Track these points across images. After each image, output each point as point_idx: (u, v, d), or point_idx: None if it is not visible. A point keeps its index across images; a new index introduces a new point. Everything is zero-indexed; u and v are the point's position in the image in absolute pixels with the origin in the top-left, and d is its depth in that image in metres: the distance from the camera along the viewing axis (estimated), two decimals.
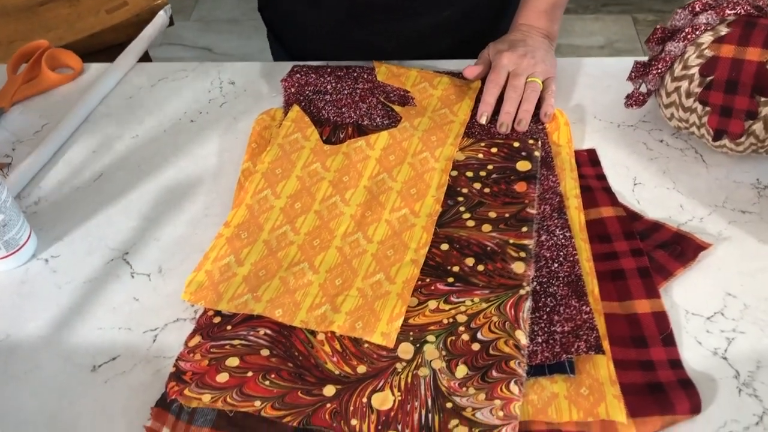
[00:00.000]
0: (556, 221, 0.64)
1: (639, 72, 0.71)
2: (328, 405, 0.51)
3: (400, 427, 0.50)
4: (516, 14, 0.85)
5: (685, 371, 0.53)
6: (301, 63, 0.84)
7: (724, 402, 0.52)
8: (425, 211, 0.64)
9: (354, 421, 0.50)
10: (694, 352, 0.55)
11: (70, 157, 0.77)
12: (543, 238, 0.63)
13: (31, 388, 0.56)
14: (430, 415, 0.50)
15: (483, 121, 0.74)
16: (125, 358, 0.58)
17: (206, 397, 0.52)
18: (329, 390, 0.52)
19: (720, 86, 0.64)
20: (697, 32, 0.65)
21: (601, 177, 0.70)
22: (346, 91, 0.80)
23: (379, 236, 0.63)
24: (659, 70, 0.68)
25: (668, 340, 0.55)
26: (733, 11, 0.65)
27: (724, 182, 0.69)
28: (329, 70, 0.83)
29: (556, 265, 0.60)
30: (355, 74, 0.83)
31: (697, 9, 0.67)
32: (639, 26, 2.32)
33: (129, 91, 0.85)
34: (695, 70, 0.65)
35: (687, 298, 0.59)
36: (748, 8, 0.65)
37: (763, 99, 0.63)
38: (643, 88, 0.71)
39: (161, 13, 0.93)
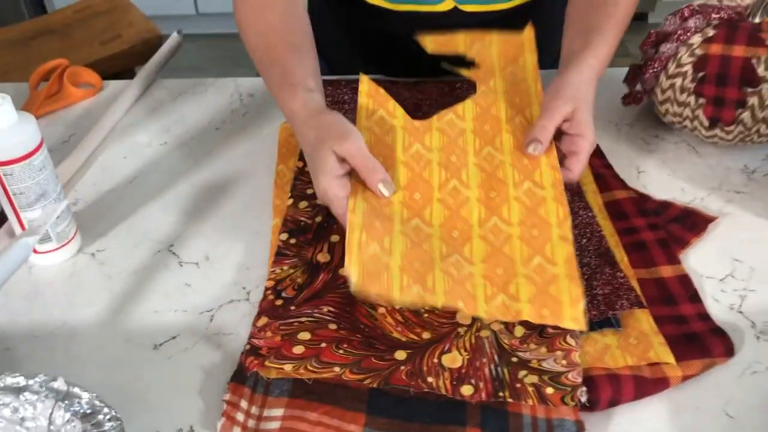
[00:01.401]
0: (578, 203, 0.70)
1: (635, 73, 0.79)
2: (402, 367, 0.54)
3: (473, 381, 0.53)
4: (587, 41, 0.69)
5: (714, 322, 0.59)
6: None
7: (746, 348, 0.58)
8: (547, 180, 0.64)
9: (430, 379, 0.54)
10: (714, 309, 0.61)
11: (102, 163, 0.80)
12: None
13: (98, 365, 0.58)
14: (498, 369, 0.54)
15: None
16: (185, 336, 0.60)
17: (288, 367, 0.55)
18: (400, 355, 0.56)
19: (712, 80, 0.72)
20: (688, 34, 0.74)
21: (608, 166, 0.76)
22: None
23: (516, 216, 0.62)
24: (655, 69, 0.76)
25: (695, 298, 0.61)
26: (717, 15, 0.73)
27: (717, 169, 0.76)
28: (344, 82, 0.89)
29: (584, 240, 0.66)
30: None
31: (686, 15, 0.75)
32: None
33: (152, 104, 0.89)
34: (689, 68, 0.74)
35: (701, 264, 0.65)
36: (730, 12, 0.73)
37: (749, 90, 0.71)
38: (640, 88, 0.79)
39: (174, 34, 0.97)
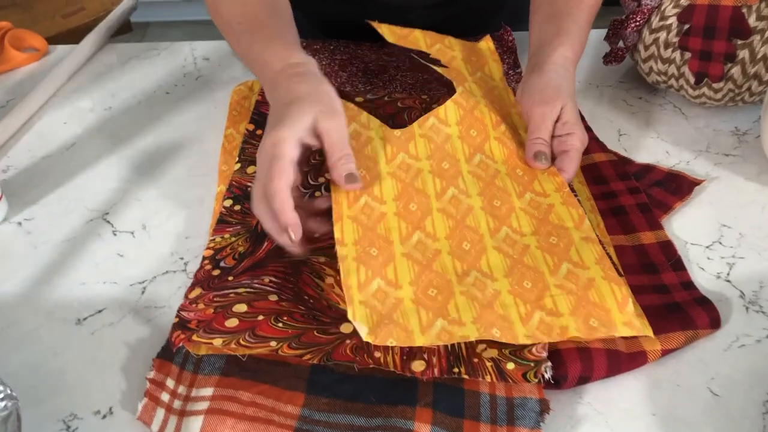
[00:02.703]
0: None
1: (616, 29, 0.73)
2: (348, 341, 0.48)
3: (425, 356, 0.47)
4: (558, 29, 0.64)
5: (699, 290, 0.53)
6: None
7: (734, 319, 0.52)
8: (549, 187, 0.57)
9: (378, 354, 0.47)
10: (699, 277, 0.55)
11: (40, 129, 0.73)
12: None
13: (11, 343, 0.52)
14: (455, 343, 0.48)
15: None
16: (112, 310, 0.54)
17: (217, 341, 0.48)
18: (346, 328, 0.50)
19: (698, 31, 0.66)
20: None
21: (588, 129, 0.70)
22: (324, 62, 0.80)
23: (528, 227, 0.54)
24: (638, 23, 0.70)
25: (677, 265, 0.55)
26: None
27: (705, 131, 0.70)
28: (304, 44, 0.83)
29: None
30: (331, 47, 0.82)
31: None
32: None
33: (99, 69, 0.83)
34: (673, 20, 0.67)
35: (685, 230, 0.59)
36: None
37: (739, 42, 0.65)
38: (622, 44, 0.73)
39: None
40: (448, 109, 0.64)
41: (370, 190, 0.56)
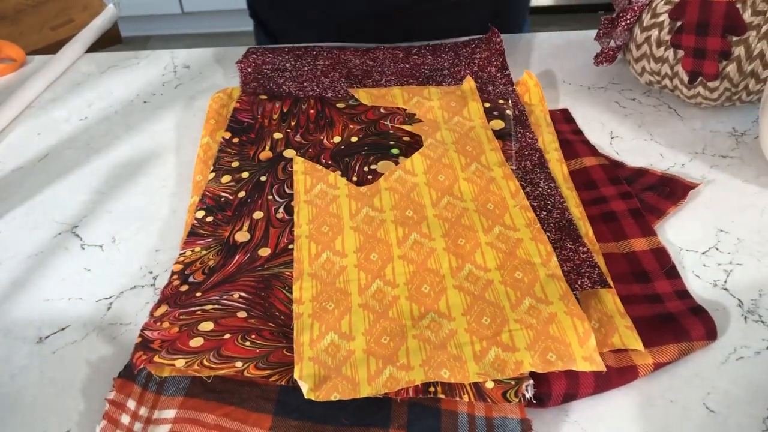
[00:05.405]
0: (539, 174, 0.61)
1: (607, 28, 0.70)
2: None
3: None
4: None
5: (694, 300, 0.50)
6: (257, 46, 0.81)
7: (731, 329, 0.49)
8: (519, 222, 0.56)
9: None
10: (694, 286, 0.52)
11: (11, 141, 0.71)
12: (527, 189, 0.60)
13: None
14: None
15: None
16: (75, 327, 0.52)
17: (180, 362, 0.46)
18: None
19: (691, 28, 0.63)
20: None
21: (578, 132, 0.68)
22: (306, 68, 0.77)
23: (493, 262, 0.52)
24: (628, 21, 0.67)
25: (671, 273, 0.52)
26: None
27: (701, 132, 0.67)
28: (287, 50, 0.80)
29: (544, 213, 0.57)
30: (314, 53, 0.80)
31: None
32: None
33: (77, 78, 0.81)
34: (665, 17, 0.65)
35: (680, 236, 0.56)
36: None
37: (734, 38, 0.62)
38: (613, 44, 0.70)
39: (110, 6, 0.89)
40: (414, 160, 0.63)
41: (332, 245, 0.55)
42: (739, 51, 0.62)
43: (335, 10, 0.87)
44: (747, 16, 0.61)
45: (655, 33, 0.66)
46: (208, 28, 3.00)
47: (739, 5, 0.62)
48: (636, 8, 0.66)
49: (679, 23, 0.64)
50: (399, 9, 0.85)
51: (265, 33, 0.96)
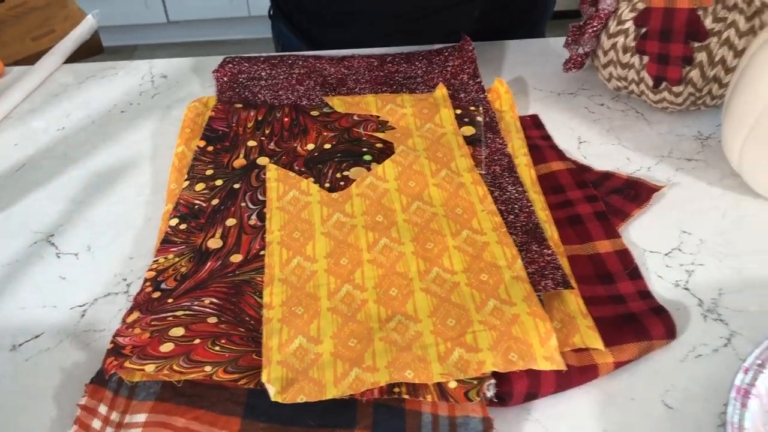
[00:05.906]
0: (507, 179, 0.62)
1: (575, 35, 0.72)
2: None
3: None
4: None
5: (656, 300, 0.51)
6: (234, 55, 0.82)
7: (691, 328, 0.50)
8: (486, 226, 0.57)
9: None
10: (657, 286, 0.54)
11: None
12: (495, 194, 0.61)
13: None
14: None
15: None
16: (50, 335, 0.53)
17: (150, 367, 0.47)
18: None
19: (655, 35, 0.65)
20: None
21: (547, 137, 0.69)
22: (282, 76, 0.78)
23: (459, 265, 0.54)
24: (595, 28, 0.68)
25: (634, 274, 0.54)
26: None
27: (668, 137, 0.69)
28: (262, 59, 0.81)
29: (511, 216, 0.58)
30: (290, 61, 0.81)
31: None
32: None
33: (55, 89, 0.81)
34: (630, 24, 0.66)
35: (644, 238, 0.58)
36: None
37: (696, 44, 0.64)
38: (581, 50, 0.72)
39: (89, 17, 0.90)
40: (386, 167, 0.64)
41: (303, 251, 0.56)
42: (701, 57, 0.64)
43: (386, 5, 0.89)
44: (708, 23, 0.63)
45: (621, 40, 0.67)
46: (193, 36, 3.00)
47: (700, 12, 0.63)
48: (602, 15, 0.68)
49: (643, 30, 0.65)
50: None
51: (292, 32, 0.97)
